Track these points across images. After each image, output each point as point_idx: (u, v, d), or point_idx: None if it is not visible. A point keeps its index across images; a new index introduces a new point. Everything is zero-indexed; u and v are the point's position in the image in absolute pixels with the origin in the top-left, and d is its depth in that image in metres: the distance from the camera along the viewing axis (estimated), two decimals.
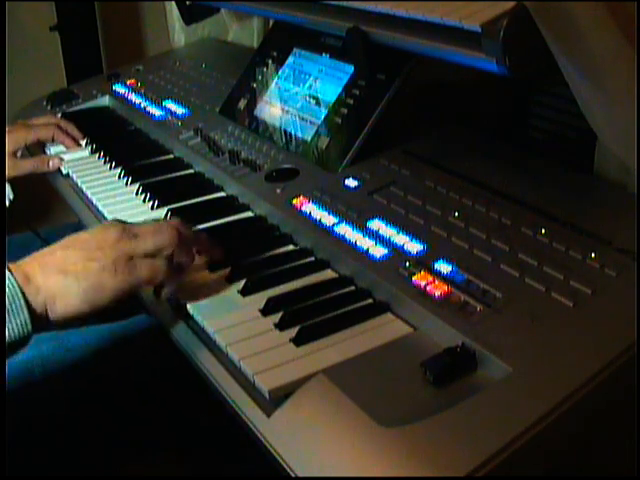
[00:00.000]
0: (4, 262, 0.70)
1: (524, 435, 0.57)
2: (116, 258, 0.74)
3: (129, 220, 1.00)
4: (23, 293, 0.69)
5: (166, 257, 0.78)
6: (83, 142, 1.29)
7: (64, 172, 1.21)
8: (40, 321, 0.71)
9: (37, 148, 1.28)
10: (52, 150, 1.27)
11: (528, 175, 0.94)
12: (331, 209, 0.90)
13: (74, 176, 1.18)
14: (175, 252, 0.78)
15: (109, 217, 1.02)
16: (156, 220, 0.84)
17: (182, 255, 0.79)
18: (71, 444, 0.92)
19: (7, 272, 0.70)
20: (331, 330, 0.73)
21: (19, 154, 1.23)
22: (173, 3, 1.69)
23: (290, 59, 1.19)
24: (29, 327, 0.69)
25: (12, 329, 0.68)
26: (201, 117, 1.27)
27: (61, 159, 1.22)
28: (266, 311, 0.77)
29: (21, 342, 0.70)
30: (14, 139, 1.22)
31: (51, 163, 1.22)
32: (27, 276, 0.71)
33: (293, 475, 0.60)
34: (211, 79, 1.45)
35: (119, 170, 1.16)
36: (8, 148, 1.20)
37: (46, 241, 1.25)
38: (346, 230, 0.85)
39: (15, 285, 0.69)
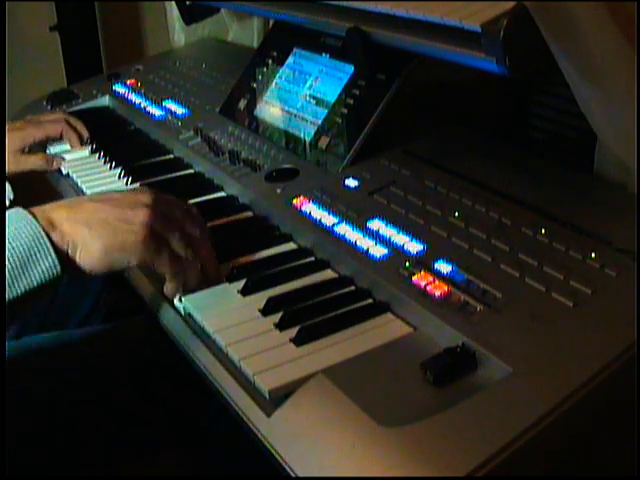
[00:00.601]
0: (4, 262, 0.70)
1: (524, 435, 0.57)
2: (146, 227, 0.73)
3: None
4: (49, 236, 0.69)
5: (184, 261, 0.77)
6: (87, 144, 1.28)
7: (64, 172, 1.21)
8: (68, 264, 0.71)
9: (37, 147, 1.28)
10: (52, 149, 1.27)
11: (528, 175, 0.94)
12: (331, 209, 0.90)
13: (74, 176, 1.18)
14: (188, 255, 0.78)
15: None
16: (183, 206, 0.82)
17: (192, 265, 0.79)
18: (71, 444, 0.92)
19: (29, 216, 0.70)
20: (331, 330, 0.72)
21: (26, 150, 1.22)
22: (173, 3, 1.69)
23: (290, 59, 1.19)
24: (58, 269, 0.69)
25: (41, 272, 0.68)
26: (201, 117, 1.27)
27: (63, 159, 1.22)
28: (266, 311, 0.77)
29: (52, 284, 0.70)
30: (23, 136, 1.21)
31: (55, 162, 1.21)
32: (52, 223, 0.71)
33: (293, 475, 0.60)
34: (211, 79, 1.45)
35: (119, 170, 1.16)
36: (16, 145, 1.19)
37: None
38: (346, 230, 0.85)
39: (40, 228, 0.69)
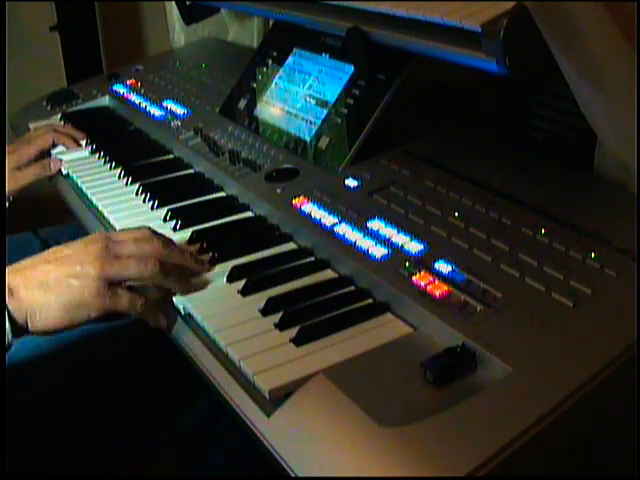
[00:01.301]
0: (4, 262, 0.70)
1: (524, 435, 0.57)
2: (97, 277, 0.75)
3: (130, 220, 1.00)
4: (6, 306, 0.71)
5: (145, 296, 0.78)
6: (83, 141, 1.28)
7: (64, 172, 1.20)
8: (20, 330, 0.74)
9: (39, 157, 1.27)
10: (52, 152, 1.26)
11: (528, 175, 0.94)
12: (331, 209, 0.90)
13: (74, 176, 1.18)
14: (158, 283, 0.79)
15: (109, 217, 1.02)
16: (137, 238, 0.81)
17: (167, 284, 0.80)
18: (71, 444, 0.92)
19: None
20: (331, 330, 0.72)
21: (22, 169, 1.22)
22: (173, 3, 1.69)
23: (290, 59, 1.19)
24: (9, 337, 0.72)
25: None
26: (201, 117, 1.27)
27: (60, 160, 1.22)
28: (266, 311, 0.77)
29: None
30: (17, 156, 1.21)
31: (52, 165, 1.21)
32: (10, 290, 0.73)
33: (293, 475, 0.60)
34: (211, 79, 1.45)
35: (119, 170, 1.16)
36: (11, 166, 1.19)
37: (46, 241, 1.25)
38: (346, 230, 0.85)
39: None
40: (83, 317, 0.75)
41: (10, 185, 1.19)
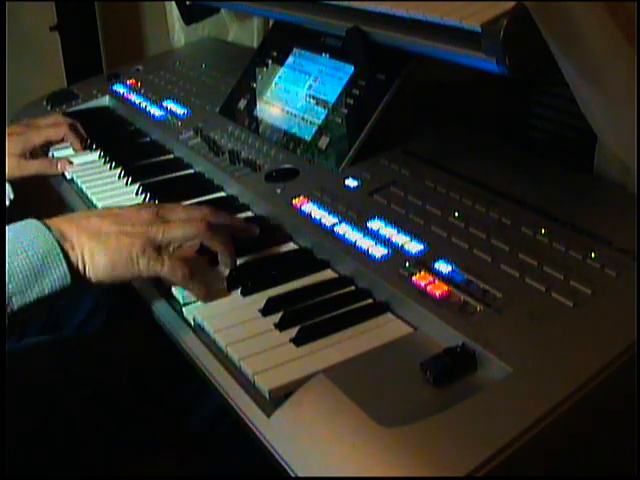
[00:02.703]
0: (4, 262, 0.70)
1: (524, 435, 0.57)
2: (145, 239, 0.77)
3: None
4: (61, 246, 0.73)
5: (189, 267, 0.78)
6: (88, 144, 1.28)
7: (69, 177, 1.19)
8: (78, 274, 0.74)
9: (39, 150, 1.27)
10: (55, 153, 1.26)
11: (528, 175, 0.94)
12: (331, 209, 0.90)
13: (74, 175, 1.17)
14: (205, 242, 0.81)
15: None
16: (189, 207, 0.86)
17: (214, 245, 0.82)
18: (71, 444, 0.92)
19: (43, 226, 0.74)
20: (331, 330, 0.73)
21: (28, 155, 1.21)
22: (173, 3, 1.69)
23: (290, 59, 1.19)
24: (68, 279, 0.73)
25: (53, 280, 0.72)
26: (201, 117, 1.27)
27: (70, 162, 1.20)
28: (266, 311, 0.77)
29: (61, 293, 0.73)
30: (24, 140, 1.20)
31: (60, 165, 1.20)
32: (63, 234, 0.75)
33: (293, 475, 0.60)
34: (211, 79, 1.45)
35: (119, 170, 1.16)
36: (16, 149, 1.18)
37: None
38: (346, 230, 0.85)
39: (53, 238, 0.73)
40: (128, 275, 0.77)
41: (14, 172, 1.17)
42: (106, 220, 0.78)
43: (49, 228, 0.74)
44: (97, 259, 0.75)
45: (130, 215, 0.79)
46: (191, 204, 1.03)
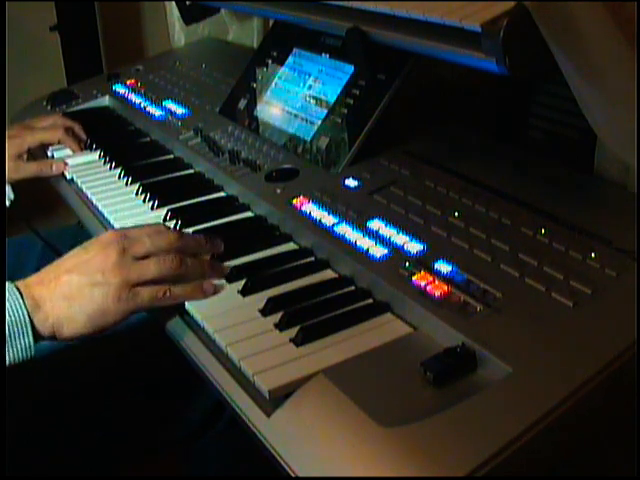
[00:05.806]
0: (4, 263, 0.70)
1: (524, 435, 0.57)
2: (118, 285, 0.76)
3: (130, 220, 1.00)
4: (31, 320, 0.73)
5: (167, 287, 0.79)
6: (87, 145, 1.28)
7: (68, 177, 1.19)
8: (50, 338, 0.75)
9: (39, 150, 1.27)
10: (55, 154, 1.26)
11: (528, 175, 0.94)
12: (331, 209, 0.90)
13: (74, 176, 1.17)
14: (180, 276, 0.80)
15: (109, 217, 1.02)
16: (152, 233, 0.82)
17: (190, 276, 0.81)
18: (71, 444, 0.92)
19: (17, 294, 0.74)
20: (331, 330, 0.72)
21: (25, 157, 1.21)
22: (173, 3, 1.69)
23: (290, 59, 1.19)
24: (32, 351, 0.74)
25: (17, 351, 0.73)
26: (201, 117, 1.27)
27: (65, 163, 1.20)
28: (266, 311, 0.77)
29: (23, 362, 0.74)
30: (19, 143, 1.19)
31: (55, 167, 1.19)
32: (37, 302, 0.75)
33: (293, 475, 0.60)
34: (211, 79, 1.45)
35: (119, 170, 1.16)
36: (12, 151, 1.18)
37: (46, 242, 1.25)
38: (346, 230, 0.85)
39: (24, 310, 0.73)
40: (108, 323, 0.77)
41: (11, 174, 1.18)
42: (74, 274, 0.76)
43: (22, 295, 0.74)
44: (75, 318, 0.75)
45: (97, 261, 0.77)
46: (191, 204, 1.03)
